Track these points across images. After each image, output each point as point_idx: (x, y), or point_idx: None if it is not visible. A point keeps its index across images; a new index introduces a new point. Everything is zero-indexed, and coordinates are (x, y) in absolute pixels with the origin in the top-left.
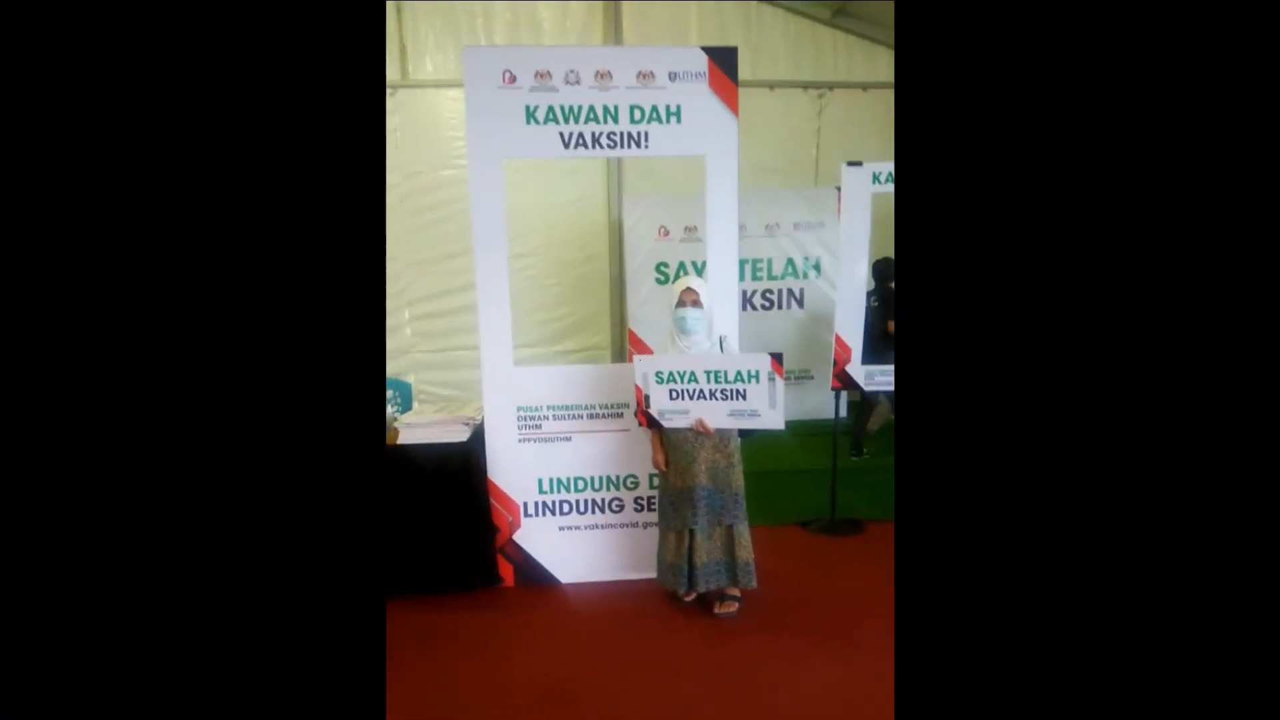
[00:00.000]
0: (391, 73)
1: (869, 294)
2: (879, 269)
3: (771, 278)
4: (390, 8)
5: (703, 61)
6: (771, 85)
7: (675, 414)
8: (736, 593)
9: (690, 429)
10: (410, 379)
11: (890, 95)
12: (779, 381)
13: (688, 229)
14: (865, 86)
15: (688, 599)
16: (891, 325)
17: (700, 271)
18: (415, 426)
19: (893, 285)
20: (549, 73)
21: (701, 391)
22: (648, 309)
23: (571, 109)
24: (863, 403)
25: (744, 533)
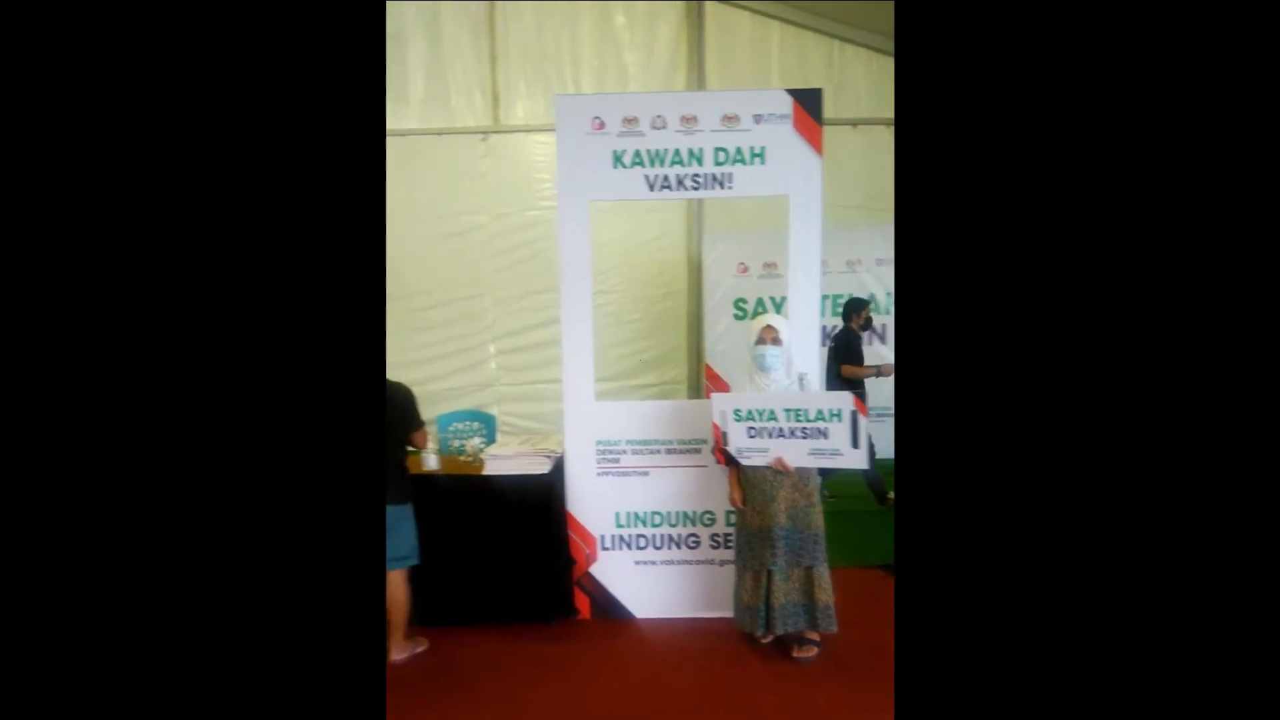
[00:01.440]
0: (484, 119)
1: (833, 334)
2: (847, 309)
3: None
4: (485, 57)
5: (787, 104)
6: (854, 123)
7: (754, 452)
8: (816, 636)
9: (769, 467)
10: (494, 411)
11: None
12: (863, 420)
13: (767, 265)
14: None
15: (764, 641)
16: (846, 369)
17: (779, 307)
18: (500, 458)
19: (855, 325)
20: (636, 118)
21: (781, 430)
22: (725, 344)
23: (657, 153)
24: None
25: (824, 574)
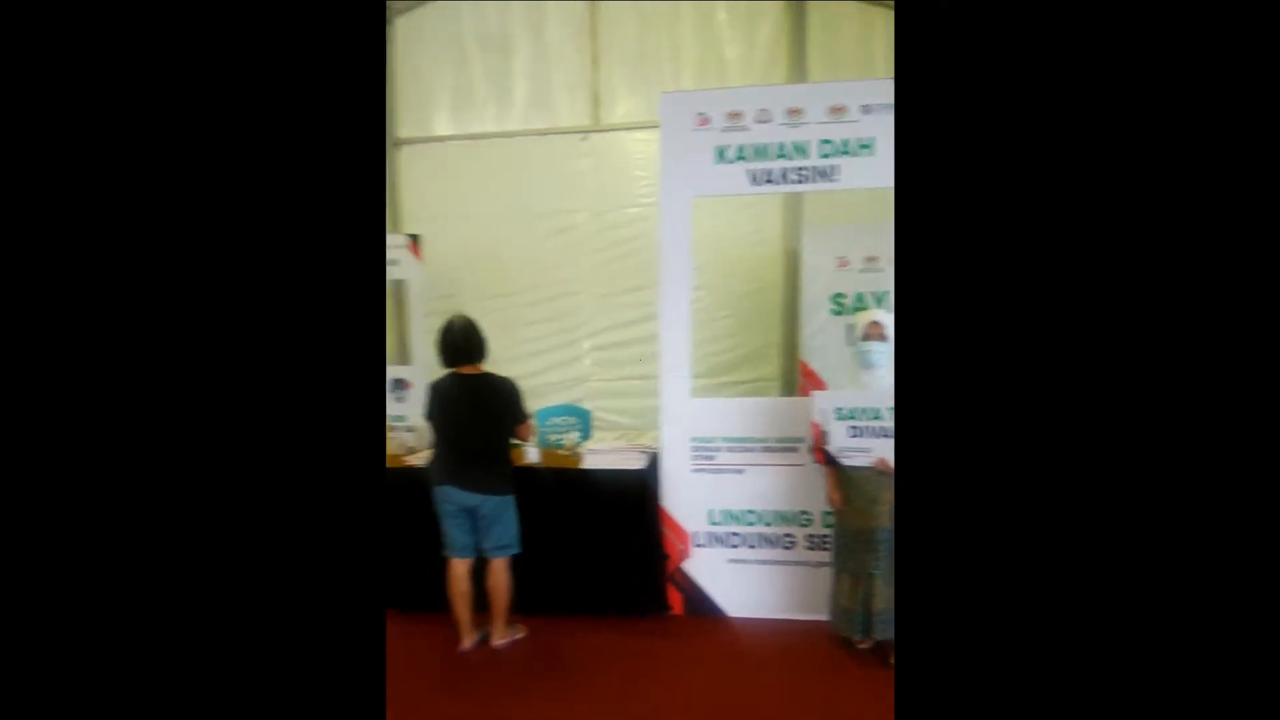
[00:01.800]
0: (585, 119)
1: None
2: None
3: None
4: (587, 58)
5: None
6: None
7: (856, 452)
8: None
9: (872, 468)
10: (588, 406)
11: None
12: None
13: (868, 259)
14: None
15: (862, 646)
16: None
17: (880, 302)
18: (598, 452)
19: None
20: (741, 113)
21: (886, 429)
22: (821, 340)
23: (761, 147)
24: None
25: None
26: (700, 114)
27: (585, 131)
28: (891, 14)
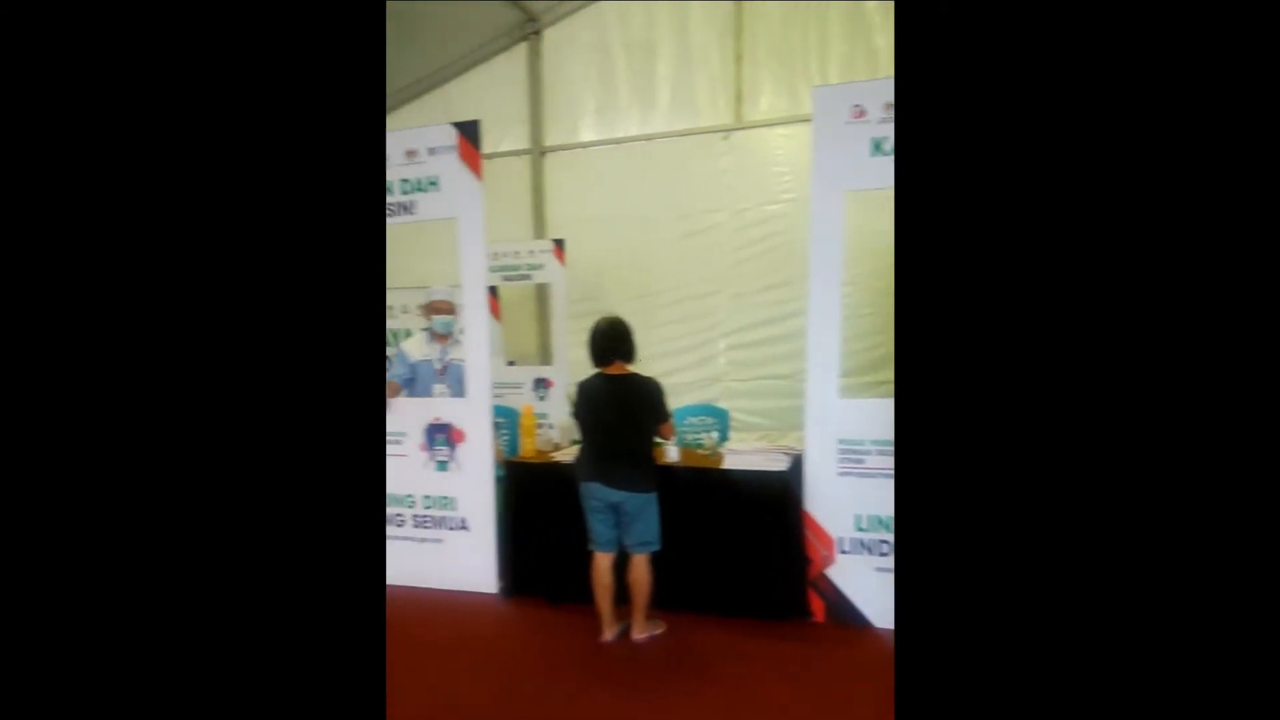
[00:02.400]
0: (727, 118)
1: None
2: None
3: None
4: (730, 57)
5: None
6: None
7: None
8: None
9: None
10: (723, 406)
11: None
12: None
13: None
14: None
15: None
16: None
17: None
18: (739, 453)
19: None
20: None
21: None
22: None
23: None
24: None
25: None
26: (856, 106)
27: (727, 130)
28: None
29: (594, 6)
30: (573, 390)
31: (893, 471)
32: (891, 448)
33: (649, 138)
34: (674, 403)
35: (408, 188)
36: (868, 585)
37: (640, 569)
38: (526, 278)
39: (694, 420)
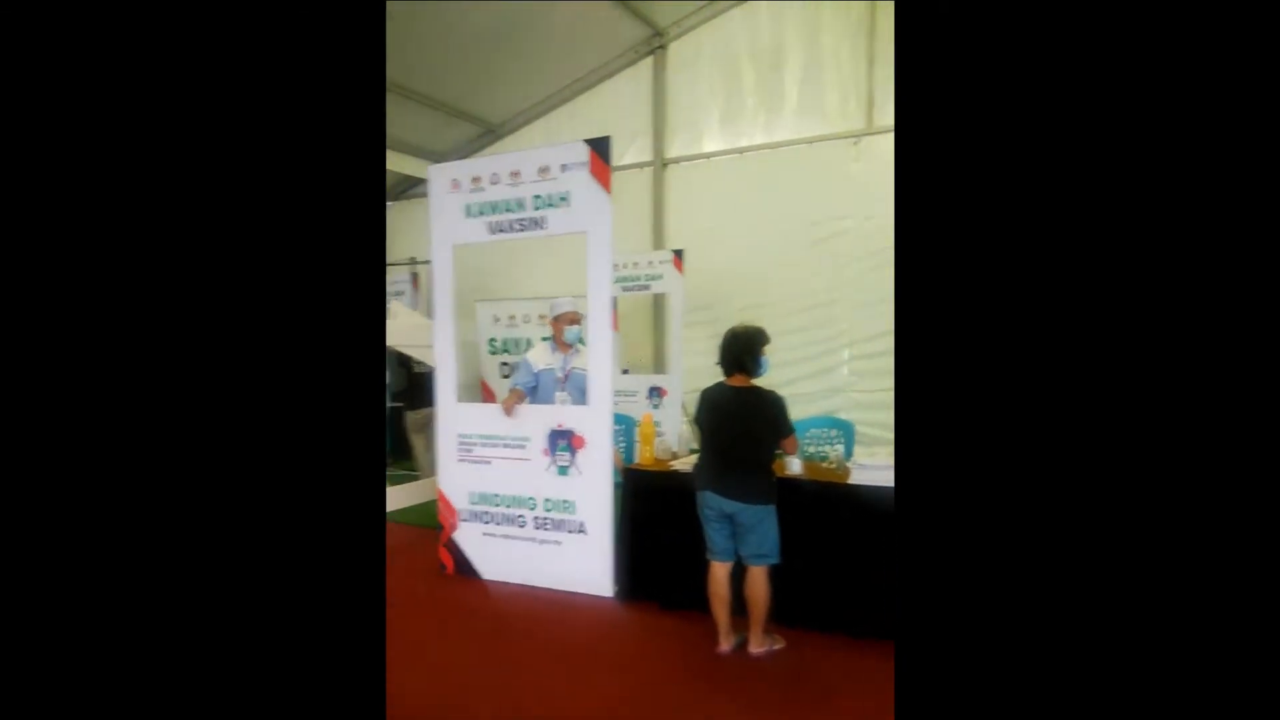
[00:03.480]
0: (857, 122)
1: None
2: None
3: None
4: (862, 59)
5: None
6: None
7: None
8: None
9: None
10: (846, 418)
11: None
12: None
13: None
14: None
15: None
16: None
17: None
18: (866, 468)
19: None
20: None
21: None
22: None
23: None
24: None
25: None
26: None
27: (857, 135)
28: None
29: (720, 18)
30: (693, 398)
31: None
32: None
33: (774, 146)
34: (795, 413)
35: (539, 203)
36: None
37: (758, 581)
38: (645, 288)
39: (816, 432)
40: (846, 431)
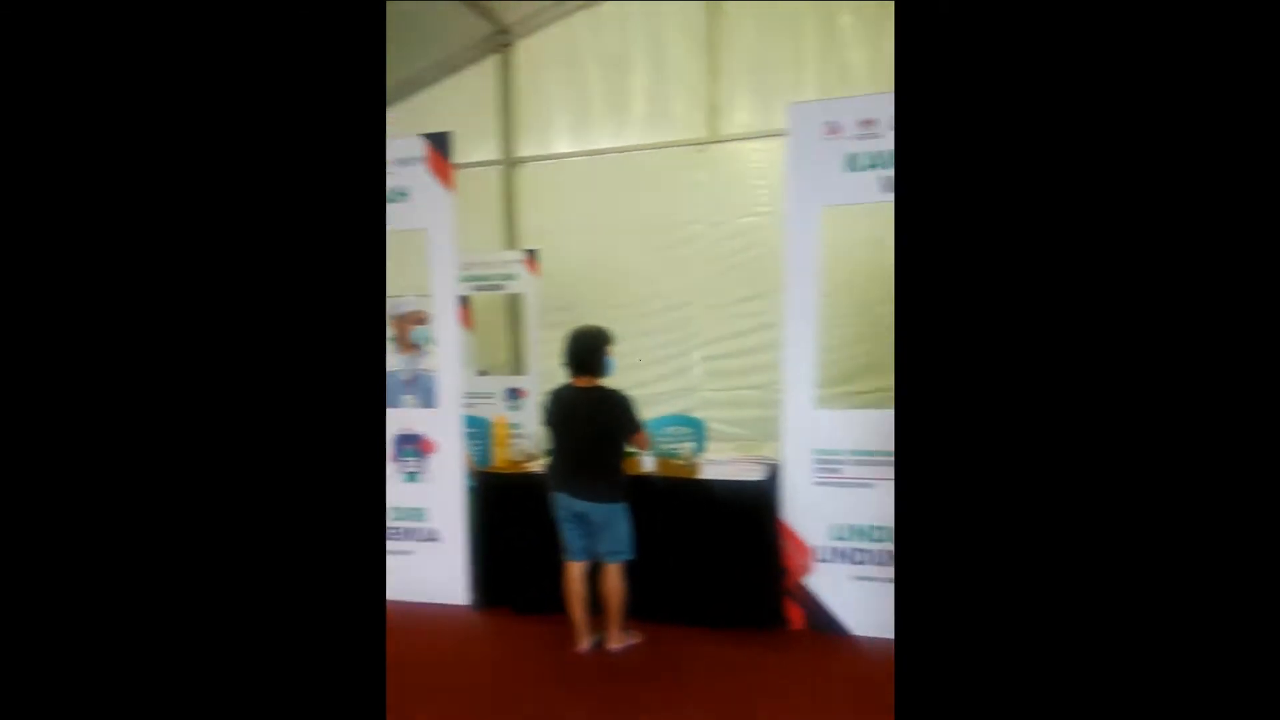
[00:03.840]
0: (703, 131)
1: None
2: None
3: None
4: (706, 69)
5: None
6: None
7: None
8: None
9: None
10: (698, 416)
11: None
12: None
13: None
14: None
15: None
16: None
17: None
18: (715, 463)
19: None
20: (874, 120)
21: None
22: None
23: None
24: None
25: None
26: (830, 123)
27: (703, 144)
28: None
29: (567, 19)
30: (545, 399)
31: (870, 481)
32: (868, 457)
33: (623, 150)
34: (650, 412)
35: None
36: (845, 594)
37: (613, 579)
38: (498, 288)
39: (670, 430)
40: (697, 429)
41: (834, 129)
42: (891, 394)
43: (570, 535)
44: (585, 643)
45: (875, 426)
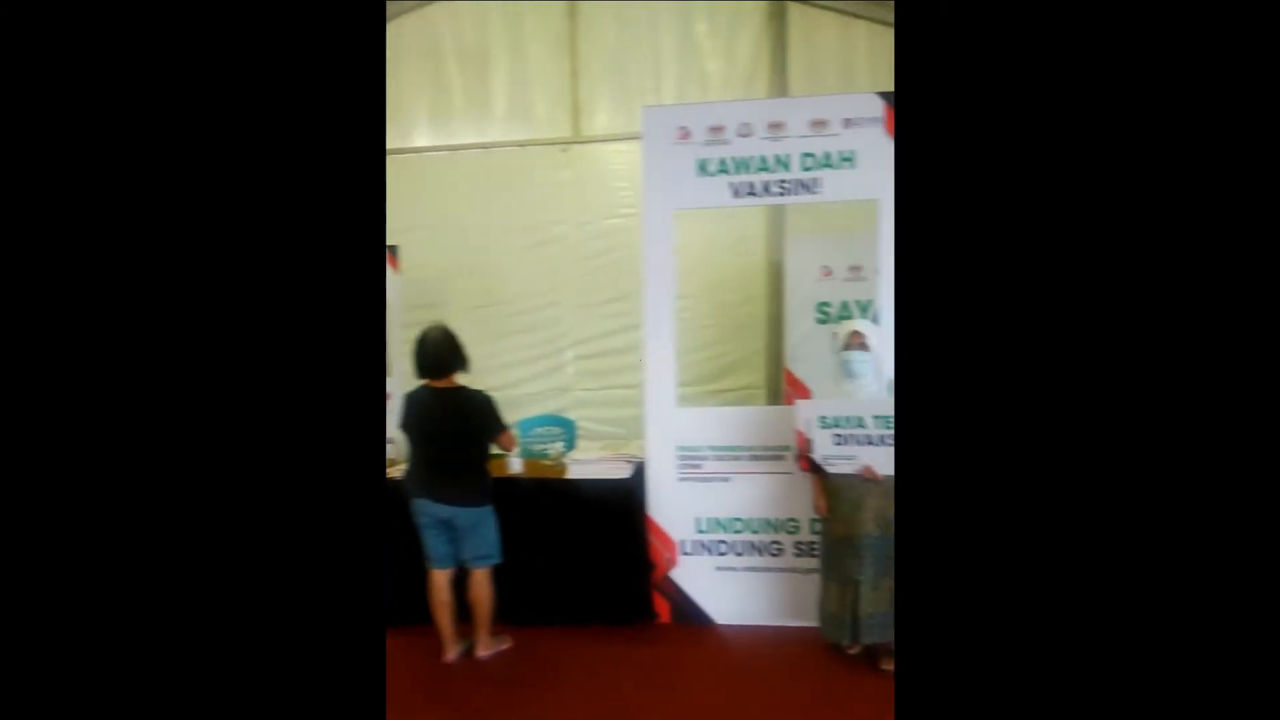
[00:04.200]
0: (565, 130)
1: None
2: None
3: None
4: (566, 72)
5: (879, 107)
6: None
7: (840, 460)
8: None
9: (857, 475)
10: (572, 416)
11: None
12: None
13: (852, 268)
14: None
15: (852, 651)
16: None
17: (865, 312)
18: (582, 462)
19: None
20: (723, 127)
21: (869, 437)
22: (806, 349)
23: (743, 160)
24: None
25: None
26: (682, 128)
27: (566, 143)
28: (872, 25)
29: (423, 10)
30: (400, 402)
31: (729, 475)
32: (727, 452)
33: (486, 146)
34: (522, 413)
35: None
36: (709, 585)
37: (481, 584)
38: None
39: (540, 431)
40: (568, 428)
41: (684, 134)
42: (753, 392)
43: (434, 542)
44: (453, 652)
45: (733, 423)
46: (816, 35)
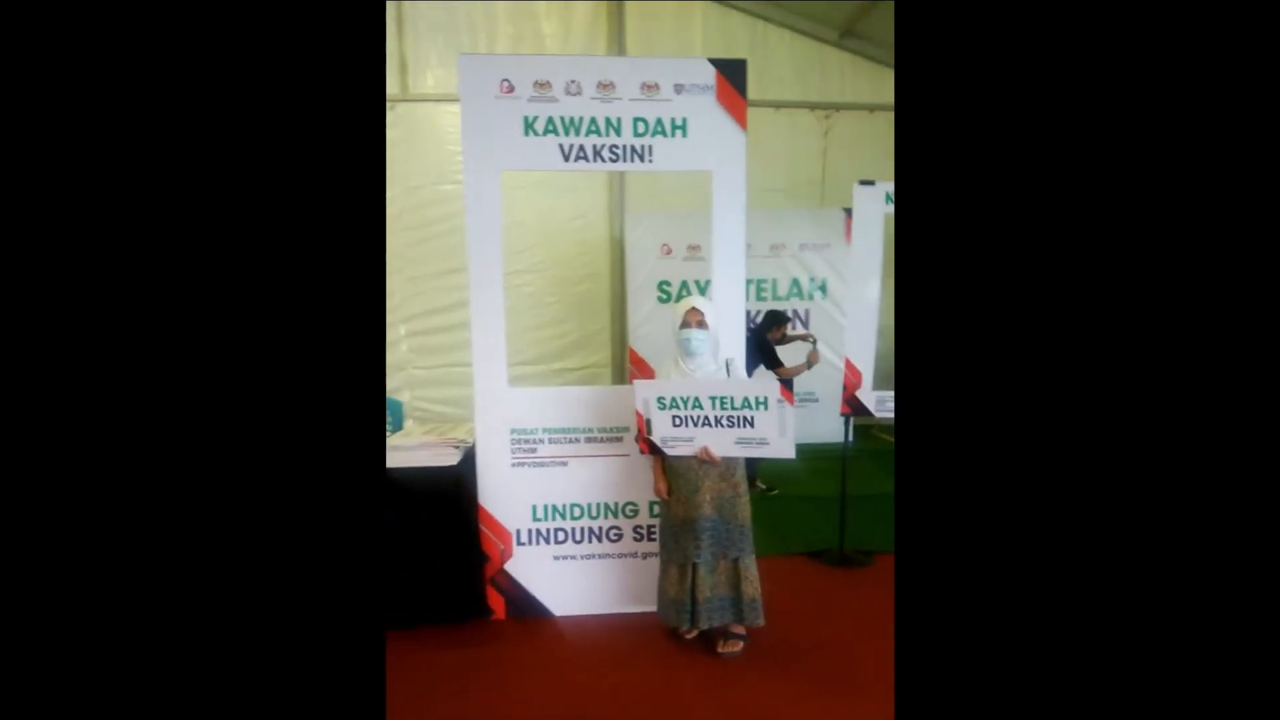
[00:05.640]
0: (392, 87)
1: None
2: (767, 321)
3: (776, 298)
4: (391, 21)
5: (710, 74)
6: (777, 105)
7: (679, 441)
8: (742, 630)
9: (694, 457)
10: (404, 396)
11: None
12: (789, 408)
13: (691, 247)
14: (871, 109)
15: (689, 636)
16: (781, 371)
17: (704, 290)
18: (403, 449)
19: (773, 338)
20: (549, 83)
21: (707, 418)
22: (649, 327)
23: (572, 120)
24: None
25: (750, 567)
26: (505, 80)
27: (392, 101)
28: (707, 6)
29: None
30: None
31: (566, 459)
32: (562, 434)
33: None
34: None
35: None
36: (546, 576)
37: None
38: None
39: None
40: (394, 410)
41: (508, 88)
42: (598, 370)
43: None
44: None
45: (571, 403)
46: (653, 8)
